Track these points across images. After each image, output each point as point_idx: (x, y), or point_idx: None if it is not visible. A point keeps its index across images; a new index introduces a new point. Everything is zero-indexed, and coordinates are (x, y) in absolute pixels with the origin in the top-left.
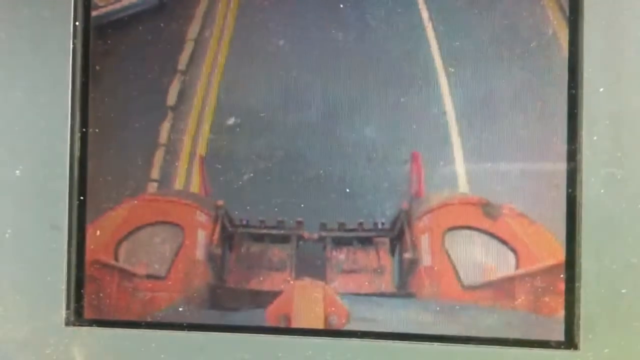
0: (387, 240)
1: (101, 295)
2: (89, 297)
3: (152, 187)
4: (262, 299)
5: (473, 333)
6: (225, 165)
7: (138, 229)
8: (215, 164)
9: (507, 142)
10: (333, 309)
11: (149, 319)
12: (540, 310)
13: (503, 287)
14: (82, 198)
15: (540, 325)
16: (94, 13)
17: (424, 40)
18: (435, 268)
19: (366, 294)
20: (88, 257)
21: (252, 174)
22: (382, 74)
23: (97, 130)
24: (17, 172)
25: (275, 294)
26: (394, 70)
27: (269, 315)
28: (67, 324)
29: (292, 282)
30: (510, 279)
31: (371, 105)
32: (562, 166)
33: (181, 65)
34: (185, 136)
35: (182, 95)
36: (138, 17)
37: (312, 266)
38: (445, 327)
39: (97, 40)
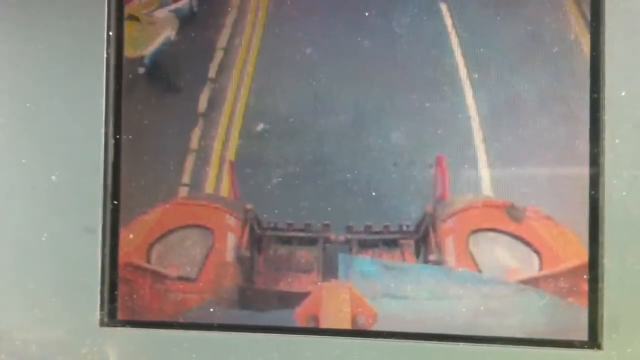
0: (412, 242)
1: (134, 296)
2: (123, 298)
3: (184, 191)
4: (290, 300)
5: (498, 333)
6: (254, 170)
7: (170, 232)
8: (245, 168)
9: (530, 145)
10: (360, 309)
11: (180, 320)
12: (564, 311)
13: (527, 288)
14: (115, 202)
15: (564, 326)
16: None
17: (448, 46)
18: (460, 270)
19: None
20: (121, 259)
21: (280, 178)
22: (408, 80)
23: (130, 136)
24: (53, 177)
25: (303, 295)
26: (419, 76)
27: (298, 316)
28: (102, 324)
29: (319, 283)
30: (535, 280)
31: (397, 110)
32: (585, 169)
33: (211, 73)
34: (215, 142)
35: (212, 102)
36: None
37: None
38: (471, 328)
39: (129, 49)
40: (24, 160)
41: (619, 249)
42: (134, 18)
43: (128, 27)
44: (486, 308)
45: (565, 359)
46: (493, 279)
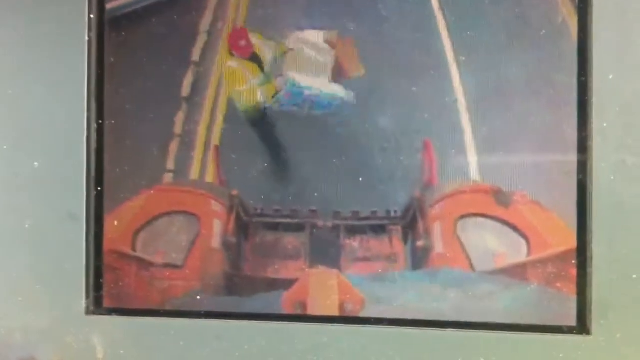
0: (399, 228)
1: (120, 284)
2: (108, 286)
3: (168, 177)
4: (278, 286)
5: (486, 319)
6: (240, 155)
7: (155, 218)
8: (230, 154)
9: (519, 129)
10: (348, 296)
11: (167, 307)
12: (553, 296)
13: (515, 274)
14: (99, 189)
15: (553, 311)
16: (108, 6)
17: (435, 29)
18: (448, 255)
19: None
20: (106, 247)
21: (266, 164)
22: (394, 64)
23: (113, 121)
24: (36, 164)
25: (290, 282)
26: (405, 59)
27: (285, 303)
28: (87, 313)
29: (307, 270)
30: (523, 266)
31: (384, 94)
32: (572, 153)
33: (195, 57)
34: (200, 127)
35: (196, 86)
36: (152, 10)
37: (326, 254)
38: (459, 314)
39: (111, 33)
40: (5, 147)
41: (607, 234)
42: None
43: None
44: (474, 294)
45: (553, 344)
46: (481, 264)
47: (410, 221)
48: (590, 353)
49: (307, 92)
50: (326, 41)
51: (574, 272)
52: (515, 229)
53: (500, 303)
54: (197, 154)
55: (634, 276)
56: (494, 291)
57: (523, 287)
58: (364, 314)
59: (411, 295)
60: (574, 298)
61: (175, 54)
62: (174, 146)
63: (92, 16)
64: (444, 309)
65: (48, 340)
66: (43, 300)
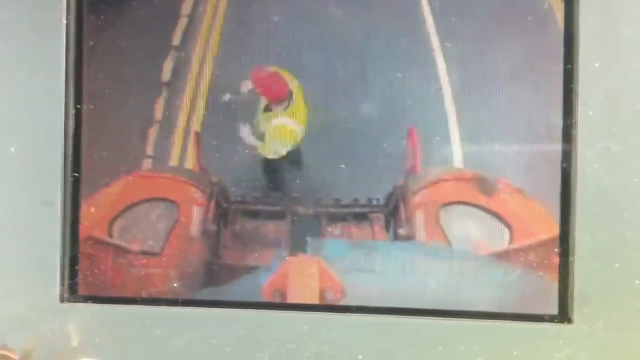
0: (381, 216)
1: (96, 271)
2: (84, 273)
3: (147, 163)
4: (257, 274)
5: (467, 307)
6: (221, 142)
7: (133, 205)
8: (211, 140)
9: (503, 117)
10: (329, 284)
11: (144, 295)
12: (535, 284)
13: (498, 262)
14: (76, 174)
15: (535, 299)
16: None
17: (420, 15)
18: (430, 243)
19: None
20: (82, 233)
21: (247, 151)
22: (379, 50)
23: (91, 106)
24: (12, 149)
25: (270, 269)
26: (390, 46)
27: (265, 291)
28: (62, 300)
29: (287, 257)
30: (505, 254)
31: (367, 81)
32: (557, 141)
33: (175, 41)
34: (180, 112)
35: (176, 71)
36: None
37: (307, 242)
38: (440, 302)
39: (90, 16)
40: None
41: (590, 222)
42: None
43: None
44: (456, 282)
45: (535, 332)
46: (463, 252)
47: (393, 209)
48: (572, 341)
49: None
50: None
51: (556, 260)
52: (498, 217)
53: (482, 291)
54: (177, 140)
55: (617, 265)
56: (476, 279)
57: (505, 275)
58: (344, 302)
59: (391, 283)
60: (556, 286)
61: (156, 38)
62: (153, 132)
63: None
64: (424, 295)
65: (22, 329)
66: (17, 287)
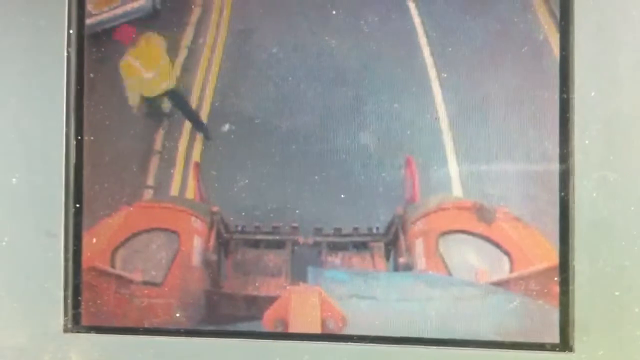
0: (382, 245)
1: (98, 302)
2: (87, 304)
3: (148, 193)
4: (258, 304)
5: (468, 336)
6: (220, 172)
7: (134, 235)
8: (210, 170)
9: (500, 146)
10: (330, 313)
11: (146, 325)
12: (535, 313)
13: (498, 291)
14: (78, 205)
15: (535, 328)
16: (88, 21)
17: (417, 46)
18: (430, 272)
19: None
20: (85, 264)
21: (247, 180)
22: (376, 80)
23: (92, 137)
24: (14, 180)
25: (271, 299)
26: (387, 76)
27: (266, 321)
28: (65, 330)
29: (288, 287)
30: (505, 283)
31: (365, 111)
32: (555, 170)
33: (176, 71)
34: (180, 143)
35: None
36: (132, 25)
37: (308, 271)
38: (441, 331)
39: (91, 48)
40: None
41: (589, 251)
42: None
43: None
44: (456, 311)
45: None
46: (463, 281)
47: (393, 238)
48: None
49: None
50: None
51: (556, 288)
52: (497, 245)
53: (483, 320)
54: (178, 170)
55: (617, 293)
56: (476, 308)
57: (506, 304)
58: (346, 331)
59: (392, 311)
60: (556, 315)
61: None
62: (154, 162)
63: (71, 31)
64: (425, 324)
65: (25, 358)
66: (21, 318)
